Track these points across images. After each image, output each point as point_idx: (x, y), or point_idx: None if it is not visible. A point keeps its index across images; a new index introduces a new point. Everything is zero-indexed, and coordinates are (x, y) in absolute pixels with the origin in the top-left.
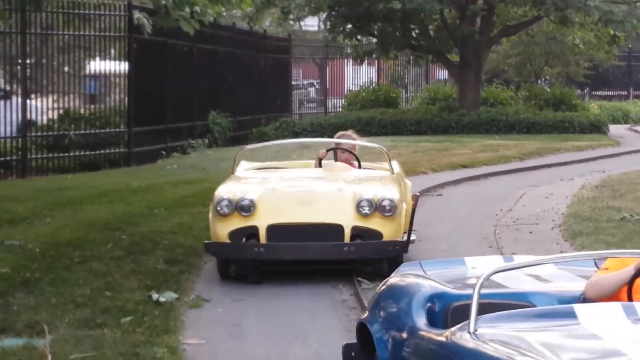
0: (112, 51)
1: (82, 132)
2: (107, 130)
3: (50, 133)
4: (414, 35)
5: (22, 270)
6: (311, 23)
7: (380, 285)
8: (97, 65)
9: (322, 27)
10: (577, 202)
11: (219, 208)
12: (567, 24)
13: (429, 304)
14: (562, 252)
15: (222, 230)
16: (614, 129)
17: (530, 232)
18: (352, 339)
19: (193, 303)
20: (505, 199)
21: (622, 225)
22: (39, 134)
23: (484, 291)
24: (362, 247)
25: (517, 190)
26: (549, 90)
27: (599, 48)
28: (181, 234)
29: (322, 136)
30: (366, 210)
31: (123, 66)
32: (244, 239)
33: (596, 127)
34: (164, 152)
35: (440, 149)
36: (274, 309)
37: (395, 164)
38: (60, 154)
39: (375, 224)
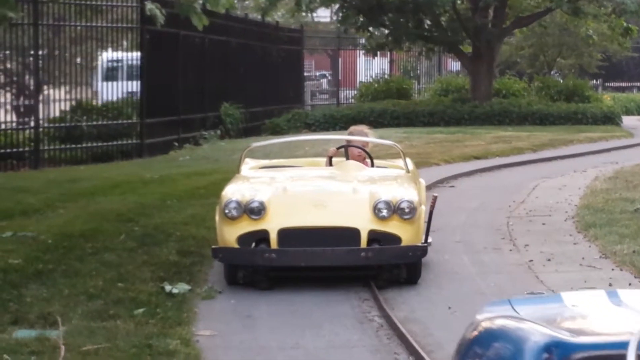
0: (125, 42)
1: (95, 123)
2: (120, 121)
3: (62, 124)
4: (426, 26)
5: (35, 262)
6: (324, 14)
7: (469, 330)
8: (109, 57)
9: (335, 18)
10: (590, 194)
11: (227, 211)
12: (579, 15)
13: (545, 355)
14: (575, 244)
15: (230, 234)
16: (627, 121)
17: (543, 224)
18: (364, 330)
19: (206, 294)
20: (518, 190)
21: (636, 216)
22: (51, 125)
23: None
24: (380, 253)
25: (530, 182)
26: (561, 81)
27: (613, 39)
28: (193, 225)
29: (334, 128)
30: (384, 213)
31: (135, 57)
32: (253, 244)
33: (609, 119)
34: (176, 144)
35: (453, 140)
36: (287, 299)
37: (409, 162)
38: (73, 145)
39: (393, 227)
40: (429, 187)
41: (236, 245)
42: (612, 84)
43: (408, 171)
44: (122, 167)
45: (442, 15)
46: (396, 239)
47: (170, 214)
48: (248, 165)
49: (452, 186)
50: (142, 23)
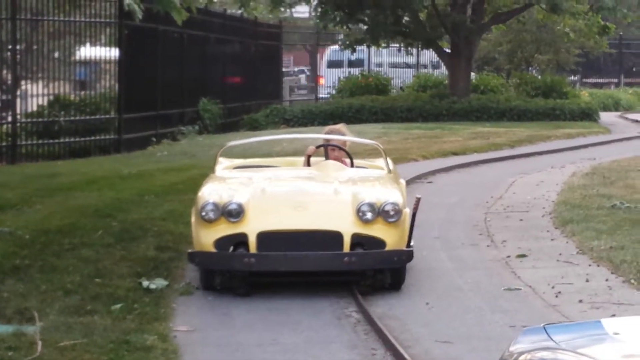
0: (103, 37)
1: (72, 118)
2: (98, 116)
3: (40, 119)
4: (404, 22)
5: (12, 257)
6: (302, 10)
7: None
8: (87, 51)
9: (313, 14)
10: (567, 190)
11: (203, 213)
12: (557, 12)
13: None
14: (552, 240)
15: (207, 237)
16: (605, 117)
17: (521, 220)
18: (342, 326)
19: (183, 290)
20: (495, 186)
21: (613, 212)
22: (29, 120)
23: None
24: (364, 258)
25: (507, 178)
26: (539, 77)
27: (590, 37)
28: (171, 221)
29: (312, 123)
30: (368, 215)
31: (114, 52)
32: (231, 248)
33: (587, 115)
34: (154, 139)
35: (431, 136)
36: (265, 296)
37: (389, 162)
38: (50, 141)
39: (377, 231)
40: (406, 183)
41: (213, 249)
42: (589, 80)
43: (390, 171)
44: (100, 162)
45: (420, 11)
46: (380, 243)
47: (148, 209)
48: (222, 165)
49: (430, 182)
50: (120, 18)
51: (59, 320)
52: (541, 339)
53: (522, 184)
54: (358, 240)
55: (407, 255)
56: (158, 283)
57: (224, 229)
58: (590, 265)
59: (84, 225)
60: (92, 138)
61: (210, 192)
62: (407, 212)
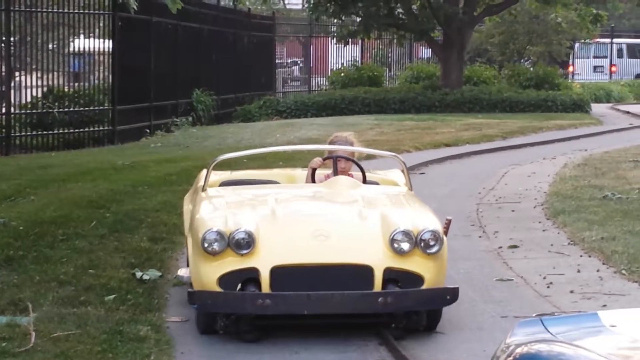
0: (97, 29)
1: (66, 110)
2: (91, 108)
3: (34, 111)
4: (397, 14)
5: (6, 248)
6: (295, 1)
7: (500, 356)
8: (81, 43)
9: (306, 5)
10: (559, 181)
11: (206, 245)
12: (550, 3)
13: None
14: (544, 230)
15: (210, 274)
16: (597, 108)
17: (513, 211)
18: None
19: (176, 281)
20: (488, 177)
21: (604, 203)
22: (22, 111)
23: None
24: (402, 298)
25: (499, 169)
26: (531, 69)
27: (582, 27)
28: (165, 212)
29: (305, 115)
30: (404, 246)
31: (107, 44)
32: (238, 286)
33: (579, 106)
34: (148, 130)
35: (424, 127)
36: None
37: (400, 175)
38: (44, 132)
39: (414, 264)
40: None
41: (218, 288)
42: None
43: (411, 188)
44: (94, 153)
45: (413, 3)
46: (418, 279)
47: (142, 200)
48: (210, 180)
49: (423, 173)
50: (114, 9)
51: (52, 311)
52: (537, 331)
53: (514, 175)
54: (391, 276)
55: (452, 295)
56: (151, 274)
57: (230, 264)
58: (581, 256)
59: (78, 216)
60: (86, 129)
61: (212, 218)
62: (446, 241)
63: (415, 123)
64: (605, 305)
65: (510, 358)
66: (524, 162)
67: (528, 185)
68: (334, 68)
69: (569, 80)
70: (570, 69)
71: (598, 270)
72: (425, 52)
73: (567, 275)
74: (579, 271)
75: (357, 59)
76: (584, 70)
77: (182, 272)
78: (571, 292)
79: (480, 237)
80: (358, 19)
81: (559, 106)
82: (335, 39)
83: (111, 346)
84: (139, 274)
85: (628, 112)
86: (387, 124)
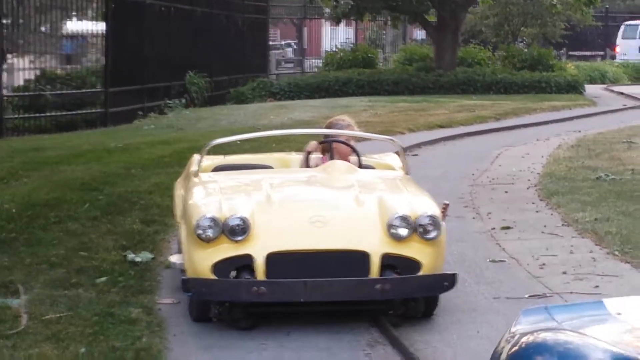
0: (90, 11)
1: (59, 92)
2: (84, 90)
3: (26, 93)
4: None
5: None
6: None
7: (506, 345)
8: (74, 25)
9: None
10: (553, 162)
11: (200, 231)
12: None
13: None
14: (537, 212)
15: (205, 261)
16: (591, 89)
17: (506, 192)
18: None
19: (168, 263)
20: (481, 158)
21: (598, 184)
22: (15, 94)
23: None
24: (401, 284)
25: (493, 150)
26: (526, 50)
27: (577, 9)
28: (158, 194)
29: (299, 97)
30: (401, 231)
31: (100, 26)
32: (233, 273)
33: (573, 87)
34: (141, 112)
35: (418, 109)
36: None
37: (396, 158)
38: (37, 115)
39: (412, 250)
40: None
41: (212, 276)
42: (576, 53)
43: (407, 172)
44: (87, 136)
45: None
46: (415, 265)
47: (135, 182)
48: (199, 163)
49: (416, 155)
50: None
51: (43, 293)
52: (542, 319)
53: (508, 156)
54: (389, 262)
55: (450, 281)
56: (143, 256)
57: (224, 250)
58: (574, 237)
59: (70, 199)
60: (79, 112)
61: (206, 204)
62: (445, 226)
63: (408, 105)
64: (597, 286)
65: (516, 347)
66: (517, 144)
67: (521, 167)
68: (328, 50)
69: (615, 61)
70: (618, 49)
71: (591, 252)
72: (419, 33)
73: (560, 257)
74: (571, 252)
75: (351, 41)
76: (629, 51)
77: (174, 258)
78: (564, 273)
79: (473, 218)
80: (352, 2)
81: (553, 87)
82: (329, 20)
83: (102, 328)
84: (130, 256)
85: (622, 93)
86: (381, 106)
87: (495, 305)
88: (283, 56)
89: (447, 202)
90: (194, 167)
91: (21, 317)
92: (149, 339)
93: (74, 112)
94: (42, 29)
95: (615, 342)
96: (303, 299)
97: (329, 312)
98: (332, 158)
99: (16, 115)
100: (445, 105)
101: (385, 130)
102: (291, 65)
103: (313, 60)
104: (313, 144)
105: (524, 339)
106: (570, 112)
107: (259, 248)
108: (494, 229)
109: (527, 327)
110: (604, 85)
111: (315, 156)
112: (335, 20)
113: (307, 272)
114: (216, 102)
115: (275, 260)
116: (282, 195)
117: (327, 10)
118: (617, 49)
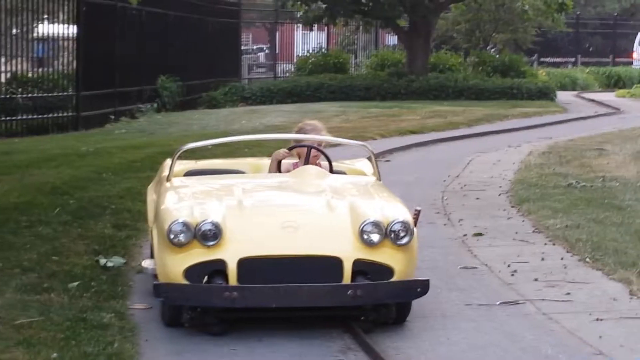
0: (61, 14)
1: (30, 95)
2: (55, 94)
3: None
4: (363, 1)
5: None
6: None
7: None
8: (45, 28)
9: None
10: (524, 169)
11: (172, 236)
12: None
13: None
14: (508, 218)
15: (176, 266)
16: (562, 96)
17: (478, 198)
18: None
19: (140, 268)
20: (453, 165)
21: (569, 191)
22: None
23: None
24: (372, 290)
25: (465, 157)
26: (497, 56)
27: (548, 15)
28: (129, 199)
29: (271, 101)
30: (374, 237)
31: (72, 29)
32: (205, 278)
33: (544, 94)
34: (113, 117)
35: (389, 114)
36: None
37: (368, 164)
38: (8, 118)
39: (384, 256)
40: None
41: (184, 281)
42: (547, 60)
43: (379, 178)
44: (58, 139)
45: None
46: (387, 271)
47: (106, 187)
48: (169, 169)
49: (388, 160)
50: None
51: (15, 299)
52: None
53: (479, 162)
54: (360, 268)
55: (422, 286)
56: (115, 261)
57: (196, 255)
58: (545, 244)
59: (41, 203)
60: (50, 115)
61: (178, 208)
62: (417, 232)
63: (380, 110)
64: (569, 293)
65: None
66: (489, 150)
67: (493, 173)
68: (300, 55)
69: (632, 67)
70: (635, 55)
71: (562, 258)
72: (391, 39)
73: (532, 263)
74: (543, 259)
75: (323, 46)
76: None
77: (147, 263)
78: (535, 280)
79: (445, 224)
80: (324, 6)
81: (525, 94)
82: (301, 24)
83: (74, 333)
84: (102, 261)
85: (593, 100)
86: (353, 111)
87: (466, 311)
88: (255, 61)
89: (419, 208)
90: (165, 172)
91: None
92: (121, 344)
93: (45, 116)
94: (13, 31)
95: None
96: (275, 305)
97: (301, 318)
98: (306, 163)
99: None
100: (417, 111)
101: (357, 136)
102: (263, 70)
103: (285, 65)
104: (282, 151)
105: None
106: (542, 119)
107: (231, 253)
108: (465, 235)
109: None
110: (575, 92)
111: (286, 161)
112: (307, 25)
113: (280, 278)
114: (188, 107)
115: (248, 265)
116: (254, 200)
117: (300, 14)
118: (634, 55)
